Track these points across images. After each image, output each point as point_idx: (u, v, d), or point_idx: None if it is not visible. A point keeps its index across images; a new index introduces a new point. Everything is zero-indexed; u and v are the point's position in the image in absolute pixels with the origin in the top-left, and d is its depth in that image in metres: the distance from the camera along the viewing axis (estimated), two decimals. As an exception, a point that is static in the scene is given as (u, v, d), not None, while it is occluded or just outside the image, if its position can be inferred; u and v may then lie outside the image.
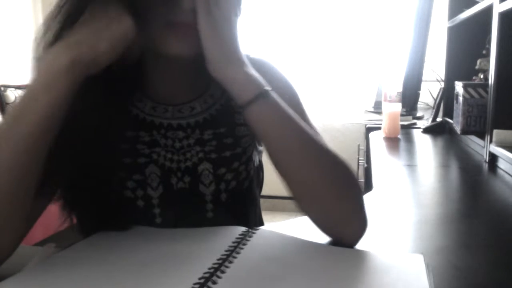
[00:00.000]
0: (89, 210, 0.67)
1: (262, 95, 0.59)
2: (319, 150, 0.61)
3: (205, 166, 0.72)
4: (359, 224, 0.62)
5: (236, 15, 0.63)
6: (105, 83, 0.61)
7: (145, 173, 0.69)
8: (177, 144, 0.71)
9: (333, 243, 0.62)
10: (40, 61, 0.56)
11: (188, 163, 0.71)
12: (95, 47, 0.54)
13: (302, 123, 0.61)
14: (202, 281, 0.48)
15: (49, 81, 0.52)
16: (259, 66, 0.73)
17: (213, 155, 0.72)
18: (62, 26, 0.59)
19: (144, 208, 0.70)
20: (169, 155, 0.71)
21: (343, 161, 0.62)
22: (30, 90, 0.53)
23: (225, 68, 0.60)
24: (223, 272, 0.50)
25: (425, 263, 0.54)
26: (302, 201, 0.62)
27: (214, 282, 0.48)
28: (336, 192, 0.60)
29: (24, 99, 0.54)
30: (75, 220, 0.72)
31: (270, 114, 0.60)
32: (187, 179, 0.71)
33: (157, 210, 0.70)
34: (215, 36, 0.59)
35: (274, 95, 0.61)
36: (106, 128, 0.64)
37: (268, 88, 0.60)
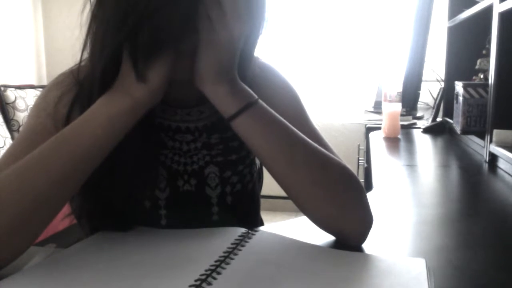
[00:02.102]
0: (98, 207, 0.67)
1: (246, 108, 0.60)
2: (309, 152, 0.62)
3: (211, 169, 0.72)
4: (360, 222, 0.62)
5: (255, 31, 0.64)
6: None
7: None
8: (185, 147, 0.72)
9: (338, 242, 0.62)
10: (100, 104, 0.58)
11: (195, 166, 0.72)
12: (149, 87, 0.57)
13: (290, 129, 0.62)
14: (198, 283, 0.48)
15: (115, 122, 0.57)
16: (262, 70, 0.76)
17: (220, 159, 0.73)
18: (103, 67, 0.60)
19: (150, 208, 0.70)
20: (176, 158, 0.71)
21: (338, 161, 0.63)
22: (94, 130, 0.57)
23: (211, 84, 0.60)
24: (219, 273, 0.50)
25: (426, 268, 0.53)
26: (296, 202, 0.63)
27: (209, 284, 0.48)
28: (330, 192, 0.61)
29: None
30: (75, 220, 0.72)
31: (254, 125, 0.61)
32: (193, 181, 0.71)
33: (163, 212, 0.70)
34: (212, 56, 0.58)
35: (261, 106, 0.61)
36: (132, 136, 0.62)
37: (253, 100, 0.61)
